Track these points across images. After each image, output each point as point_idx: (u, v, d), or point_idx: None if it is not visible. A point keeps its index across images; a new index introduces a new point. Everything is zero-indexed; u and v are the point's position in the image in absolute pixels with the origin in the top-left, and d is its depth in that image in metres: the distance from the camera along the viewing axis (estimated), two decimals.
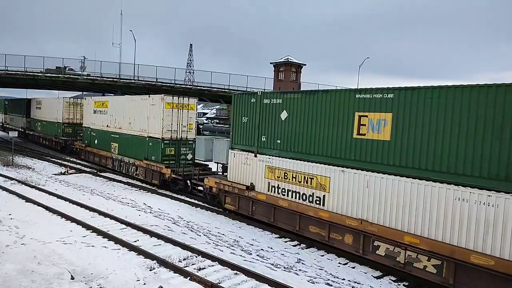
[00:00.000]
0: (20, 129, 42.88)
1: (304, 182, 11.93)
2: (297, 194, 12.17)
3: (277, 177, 12.77)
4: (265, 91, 13.57)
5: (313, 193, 11.66)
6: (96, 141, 25.80)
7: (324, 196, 11.34)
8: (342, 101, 10.78)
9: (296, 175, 12.16)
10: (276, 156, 12.80)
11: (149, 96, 20.39)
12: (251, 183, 13.67)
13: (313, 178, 11.62)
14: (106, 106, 24.61)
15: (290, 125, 12.30)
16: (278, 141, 12.66)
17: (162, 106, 18.92)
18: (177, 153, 19.63)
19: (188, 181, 18.77)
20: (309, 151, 11.69)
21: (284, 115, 12.45)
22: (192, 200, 17.46)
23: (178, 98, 19.48)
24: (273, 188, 12.95)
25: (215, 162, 20.56)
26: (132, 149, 21.60)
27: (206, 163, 20.82)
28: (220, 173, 17.87)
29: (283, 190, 12.61)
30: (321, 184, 11.39)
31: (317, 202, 11.51)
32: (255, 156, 13.52)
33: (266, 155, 13.16)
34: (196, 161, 21.35)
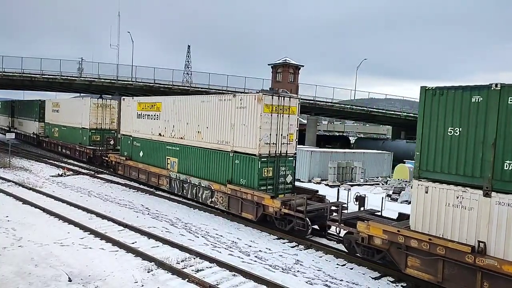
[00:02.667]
0: (32, 135, 37.98)
1: None
2: None
3: None
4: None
5: None
6: (141, 154, 20.59)
7: None
8: None
9: None
10: None
11: (234, 96, 14.90)
12: (479, 242, 8.17)
13: None
14: (157, 109, 19.23)
15: None
16: None
17: (260, 110, 13.48)
18: (275, 174, 14.25)
19: (308, 219, 12.42)
20: None
21: None
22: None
23: (278, 99, 13.99)
24: None
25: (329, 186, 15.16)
26: (204, 167, 16.17)
27: (311, 187, 15.73)
28: (343, 202, 12.65)
29: None
30: None
31: None
32: (486, 195, 8.20)
33: None
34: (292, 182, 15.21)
